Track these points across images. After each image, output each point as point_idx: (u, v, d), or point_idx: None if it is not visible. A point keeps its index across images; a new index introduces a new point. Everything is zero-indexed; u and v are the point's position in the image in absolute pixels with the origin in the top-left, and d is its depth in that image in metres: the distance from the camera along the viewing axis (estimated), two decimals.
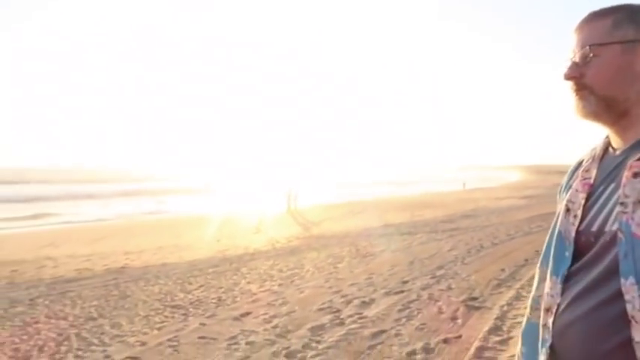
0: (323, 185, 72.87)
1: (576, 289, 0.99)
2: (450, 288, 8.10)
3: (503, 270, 9.37)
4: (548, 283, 1.10)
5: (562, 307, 1.01)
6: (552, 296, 1.05)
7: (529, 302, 1.31)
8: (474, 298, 7.36)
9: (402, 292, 7.91)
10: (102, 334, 6.32)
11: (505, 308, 6.76)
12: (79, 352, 5.63)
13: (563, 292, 1.02)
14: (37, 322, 6.92)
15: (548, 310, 1.06)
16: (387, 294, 7.80)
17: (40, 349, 5.80)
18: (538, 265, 1.26)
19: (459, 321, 6.32)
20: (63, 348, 5.80)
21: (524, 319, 1.31)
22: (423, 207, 28.18)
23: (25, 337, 6.26)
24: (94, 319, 7.03)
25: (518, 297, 7.34)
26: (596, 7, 1.15)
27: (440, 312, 6.75)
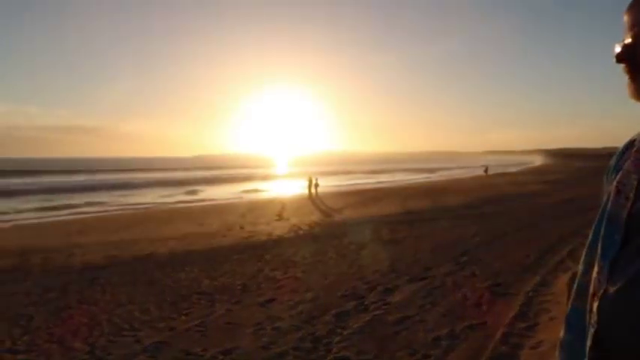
0: (344, 172, 72.83)
1: (626, 274, 0.96)
2: (474, 274, 8.06)
3: (527, 256, 9.27)
4: (596, 268, 1.04)
5: (610, 292, 0.96)
6: (600, 281, 1.01)
7: (574, 287, 1.24)
8: (499, 284, 7.31)
9: (426, 278, 7.90)
10: (132, 319, 6.49)
11: (531, 294, 6.69)
12: (111, 337, 5.80)
13: (611, 277, 0.97)
14: (69, 308, 7.14)
15: (594, 294, 1.02)
16: (411, 280, 7.80)
17: (74, 334, 5.99)
18: (585, 249, 1.18)
19: (484, 307, 6.30)
20: (95, 333, 5.98)
21: (569, 306, 1.23)
22: (444, 193, 27.96)
23: (58, 322, 6.48)
24: (123, 305, 7.21)
25: (544, 283, 7.26)
26: None
27: (464, 298, 6.73)
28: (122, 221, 19.85)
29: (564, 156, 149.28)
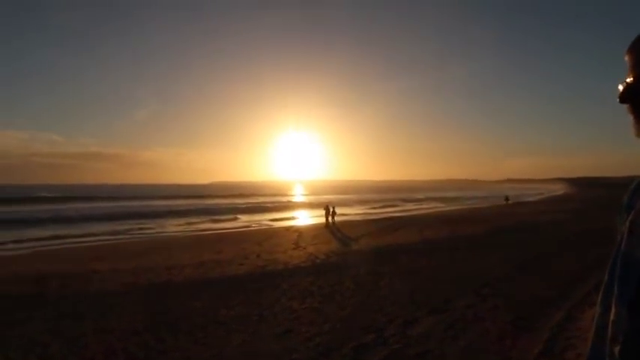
0: (361, 201, 72.61)
1: None
2: (496, 307, 7.84)
3: (551, 288, 9.00)
4: (613, 310, 1.04)
5: (630, 336, 0.94)
6: (618, 325, 0.99)
7: (593, 328, 1.22)
8: (522, 318, 7.08)
9: (446, 310, 7.71)
10: (147, 348, 6.43)
11: (556, 329, 6.46)
12: None
13: (630, 320, 0.95)
14: (85, 336, 7.11)
15: (614, 339, 1.00)
16: (431, 312, 7.61)
17: None
18: (602, 289, 1.17)
19: (508, 342, 6.08)
20: None
21: (590, 344, 1.21)
22: (464, 222, 27.58)
23: (74, 350, 6.44)
24: (139, 333, 7.16)
25: (569, 318, 7.01)
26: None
27: (486, 332, 6.53)
28: (138, 248, 19.94)
29: (586, 184, 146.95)
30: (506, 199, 59.37)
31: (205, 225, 34.75)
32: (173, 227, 32.90)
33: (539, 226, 23.42)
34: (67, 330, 7.44)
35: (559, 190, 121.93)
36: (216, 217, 40.70)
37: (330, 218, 29.53)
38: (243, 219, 40.42)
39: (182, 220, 37.53)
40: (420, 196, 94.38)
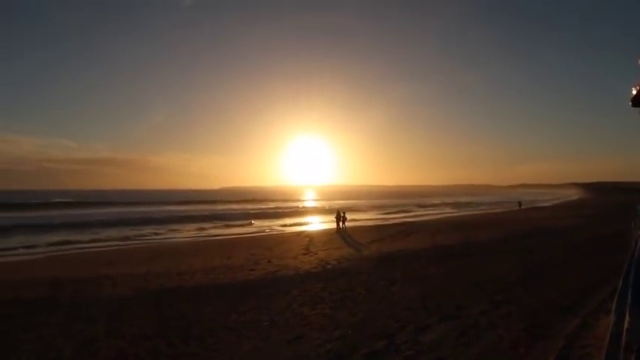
0: (372, 206, 72.46)
1: None
2: (509, 314, 7.72)
3: (566, 295, 8.86)
4: (627, 318, 1.02)
5: None
6: (633, 333, 0.97)
7: (608, 336, 1.19)
8: (537, 326, 6.96)
9: (459, 317, 7.61)
10: (158, 353, 6.42)
11: (571, 337, 6.34)
12: None
13: None
14: (97, 340, 7.13)
15: (628, 348, 0.97)
16: (443, 319, 7.52)
17: None
18: (616, 296, 1.15)
19: (522, 350, 5.98)
20: None
21: (604, 352, 1.19)
22: (476, 227, 27.36)
23: (86, 355, 6.46)
24: (150, 338, 7.16)
25: (585, 325, 6.88)
26: None
27: (500, 339, 6.42)
28: (150, 253, 20.05)
29: (601, 190, 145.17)
30: (520, 204, 58.90)
31: (216, 230, 34.87)
32: (184, 233, 33.06)
33: (554, 232, 23.15)
34: (80, 334, 7.47)
35: (573, 195, 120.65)
36: (227, 223, 40.82)
37: (340, 224, 29.48)
38: (254, 224, 40.50)
39: (193, 226, 37.70)
40: (432, 201, 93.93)
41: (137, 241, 27.32)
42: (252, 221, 42.57)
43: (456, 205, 74.49)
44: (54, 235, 29.53)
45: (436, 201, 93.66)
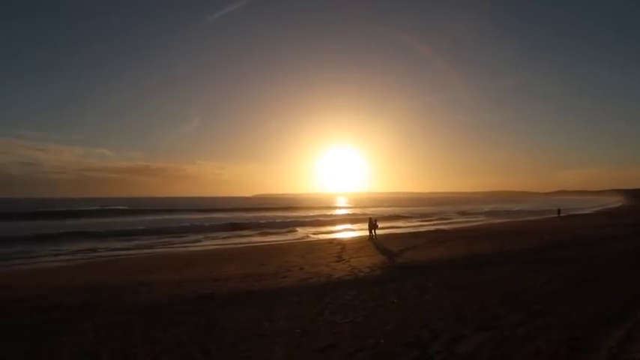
0: (404, 213, 71.69)
1: None
2: (548, 325, 7.47)
3: (609, 307, 8.51)
4: None
5: None
6: None
7: None
8: (577, 338, 6.71)
9: (495, 328, 7.41)
10: None
11: (615, 350, 6.09)
12: None
13: None
14: (134, 347, 7.27)
15: None
16: (478, 329, 7.34)
17: None
18: None
19: None
20: None
21: None
22: (513, 236, 26.68)
23: None
24: (184, 344, 7.26)
25: (629, 338, 6.60)
26: None
27: (538, 352, 6.22)
28: (183, 260, 20.38)
29: None
30: (559, 211, 57.19)
31: (248, 238, 35.18)
32: (216, 240, 33.48)
33: (594, 241, 22.33)
34: (117, 340, 7.64)
35: (615, 202, 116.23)
36: (259, 230, 41.14)
37: (373, 231, 29.27)
38: (286, 231, 40.66)
39: (224, 234, 38.14)
40: (466, 208, 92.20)
41: (171, 249, 27.83)
42: (280, 229, 42.76)
43: (492, 213, 72.87)
44: (92, 242, 30.44)
45: (471, 208, 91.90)
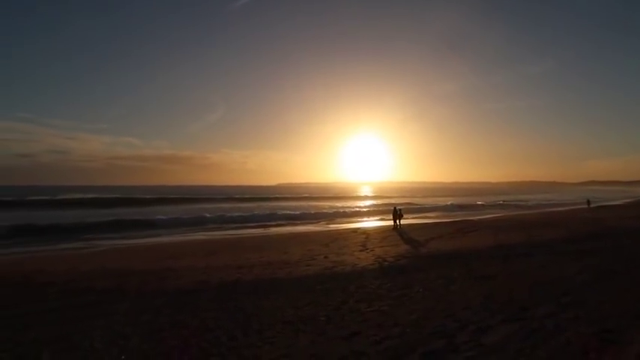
0: (429, 203, 71.11)
1: None
2: (578, 317, 7.30)
3: None
4: None
5: None
6: None
7: None
8: (609, 331, 6.54)
9: (523, 319, 7.28)
10: (219, 344, 6.60)
11: None
12: None
13: None
14: (162, 330, 7.43)
15: None
16: (506, 320, 7.23)
17: (167, 357, 6.19)
18: None
19: (592, 356, 5.64)
20: (185, 357, 6.14)
21: None
22: (541, 226, 26.17)
23: (152, 344, 6.75)
24: (211, 329, 7.38)
25: None
26: None
27: (568, 344, 6.09)
28: (209, 247, 20.66)
29: None
30: (588, 202, 55.87)
31: (272, 227, 35.41)
32: (241, 228, 33.82)
33: (626, 233, 21.71)
34: (146, 324, 7.81)
35: None
36: (282, 220, 41.33)
37: (397, 221, 29.12)
38: (309, 220, 40.79)
39: (250, 222, 38.44)
40: (493, 198, 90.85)
41: (196, 236, 28.25)
42: (318, 217, 42.79)
43: (520, 203, 71.61)
44: (121, 230, 31.17)
45: (497, 198, 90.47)
